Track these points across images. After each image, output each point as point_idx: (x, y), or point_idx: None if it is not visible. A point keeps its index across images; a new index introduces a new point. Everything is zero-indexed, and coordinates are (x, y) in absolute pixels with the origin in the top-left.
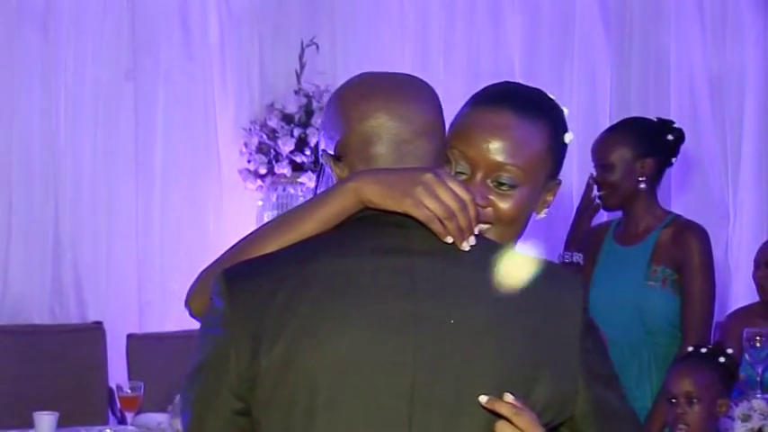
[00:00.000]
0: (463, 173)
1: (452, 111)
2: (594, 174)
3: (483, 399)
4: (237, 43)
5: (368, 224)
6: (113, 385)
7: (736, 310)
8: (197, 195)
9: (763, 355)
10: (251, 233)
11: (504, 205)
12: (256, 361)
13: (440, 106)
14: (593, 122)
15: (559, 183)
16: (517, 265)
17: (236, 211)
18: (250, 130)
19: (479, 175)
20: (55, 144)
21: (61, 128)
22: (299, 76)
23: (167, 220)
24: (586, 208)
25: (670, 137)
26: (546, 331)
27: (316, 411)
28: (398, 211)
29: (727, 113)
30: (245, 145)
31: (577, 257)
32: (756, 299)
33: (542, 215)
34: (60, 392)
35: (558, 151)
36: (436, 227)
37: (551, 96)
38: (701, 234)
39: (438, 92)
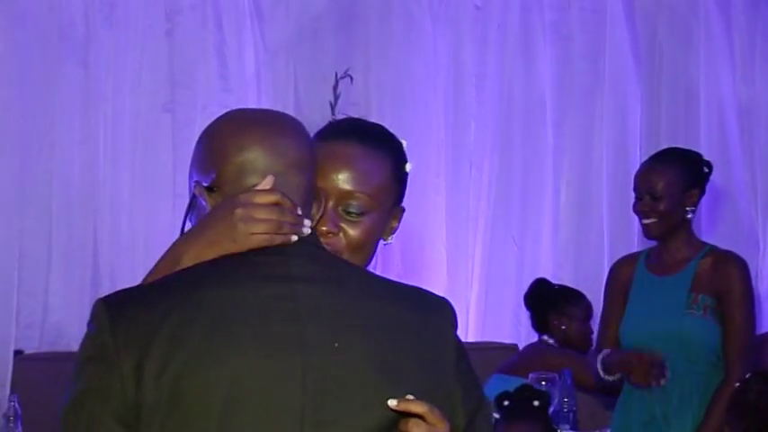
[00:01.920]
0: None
1: (482, 145)
2: (637, 203)
3: (392, 402)
4: (273, 75)
5: (250, 252)
6: None
7: (765, 334)
8: None
9: None
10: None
11: (353, 232)
12: (141, 392)
13: (310, 142)
14: (624, 154)
15: (403, 210)
16: (391, 291)
17: None
18: None
19: (330, 204)
20: (94, 174)
21: (100, 158)
22: (333, 108)
23: None
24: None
25: (706, 169)
26: (423, 353)
27: (211, 429)
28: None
29: (757, 144)
30: None
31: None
32: None
33: (389, 240)
34: None
35: (400, 179)
36: (279, 240)
37: (390, 131)
38: (742, 264)
39: (470, 123)
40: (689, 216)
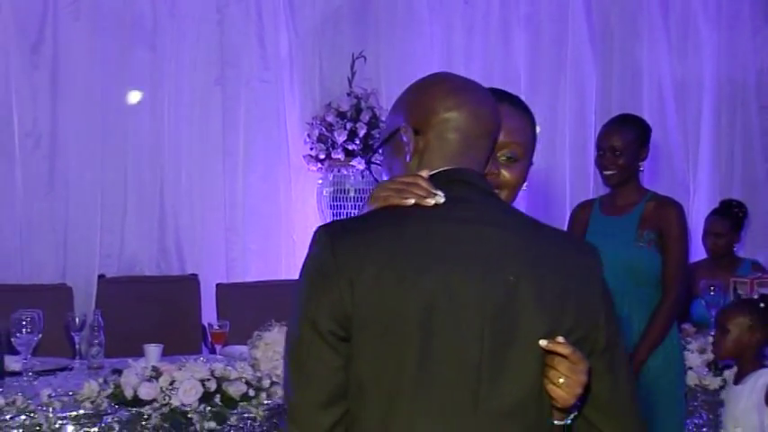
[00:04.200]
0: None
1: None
2: (600, 158)
3: (543, 342)
4: (302, 56)
5: (447, 201)
6: (206, 323)
7: (693, 263)
8: (271, 176)
9: (715, 301)
10: None
11: (508, 174)
12: (355, 303)
13: (498, 112)
14: (583, 120)
15: (533, 163)
16: (551, 234)
17: (301, 187)
18: (312, 124)
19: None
20: (160, 136)
21: (164, 123)
22: (350, 82)
23: (247, 195)
24: None
25: (649, 131)
26: (578, 287)
27: (410, 337)
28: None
29: (689, 112)
30: (308, 136)
31: None
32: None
33: (524, 187)
34: (164, 329)
35: (535, 138)
36: (396, 201)
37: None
38: (679, 207)
39: None
40: (640, 169)
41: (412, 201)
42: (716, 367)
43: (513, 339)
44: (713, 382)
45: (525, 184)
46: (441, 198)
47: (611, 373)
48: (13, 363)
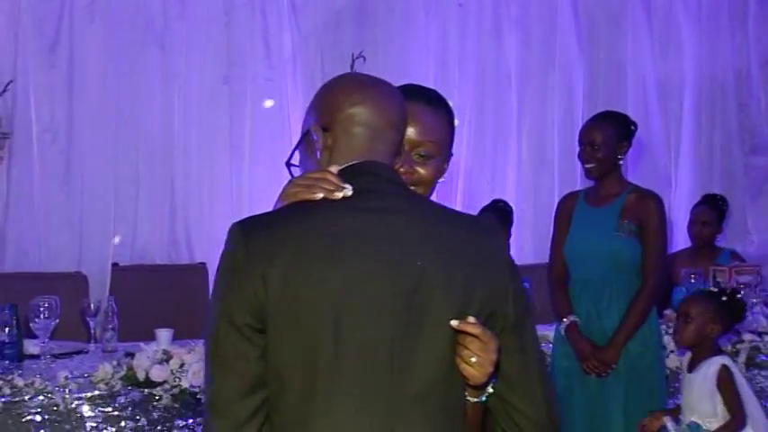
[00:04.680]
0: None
1: (462, 109)
2: (581, 152)
3: (454, 322)
4: (305, 56)
5: (354, 194)
6: None
7: (674, 253)
8: (274, 167)
9: (695, 287)
10: None
11: (423, 171)
12: (268, 297)
13: (405, 107)
14: (570, 116)
15: (452, 155)
16: (455, 218)
17: None
18: None
19: (407, 150)
20: (170, 131)
21: (174, 118)
22: None
23: (253, 187)
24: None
25: (633, 127)
26: (486, 265)
27: (322, 326)
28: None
29: (670, 108)
30: None
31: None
32: (688, 245)
33: (443, 179)
34: (174, 314)
35: (452, 132)
36: (307, 196)
37: (442, 95)
38: (658, 200)
39: (453, 92)
40: (620, 162)
41: (320, 195)
42: None
43: (423, 322)
44: None
45: (444, 176)
46: (348, 191)
47: (519, 348)
48: (31, 346)
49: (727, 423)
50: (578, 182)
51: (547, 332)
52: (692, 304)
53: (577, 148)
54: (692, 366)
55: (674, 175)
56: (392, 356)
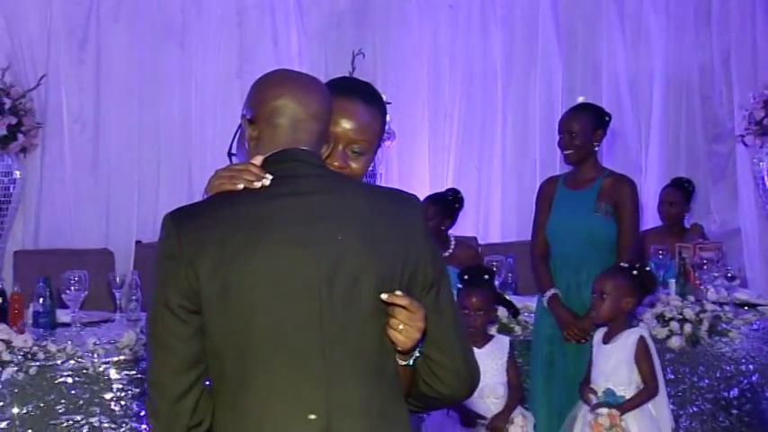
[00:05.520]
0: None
1: (453, 101)
2: (560, 140)
3: (384, 296)
4: (310, 53)
5: (274, 180)
6: None
7: (645, 231)
8: None
9: (663, 263)
10: None
11: (356, 165)
12: (199, 282)
13: (329, 99)
14: (551, 109)
15: (381, 146)
16: (375, 192)
17: None
18: None
19: (341, 146)
20: (188, 121)
21: (192, 113)
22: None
23: None
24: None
25: (607, 117)
26: (400, 234)
27: (253, 307)
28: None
29: (641, 101)
30: None
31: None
32: (657, 224)
33: (370, 167)
34: None
35: (384, 127)
36: (230, 186)
37: (378, 90)
38: (632, 184)
39: (445, 86)
40: (596, 149)
41: (241, 186)
42: (663, 319)
43: (350, 294)
44: (661, 332)
45: (372, 164)
46: (267, 180)
47: (437, 308)
48: (63, 315)
49: (640, 391)
50: (558, 167)
51: (529, 303)
52: (606, 281)
53: (557, 137)
54: (607, 339)
55: (645, 161)
56: (323, 330)
